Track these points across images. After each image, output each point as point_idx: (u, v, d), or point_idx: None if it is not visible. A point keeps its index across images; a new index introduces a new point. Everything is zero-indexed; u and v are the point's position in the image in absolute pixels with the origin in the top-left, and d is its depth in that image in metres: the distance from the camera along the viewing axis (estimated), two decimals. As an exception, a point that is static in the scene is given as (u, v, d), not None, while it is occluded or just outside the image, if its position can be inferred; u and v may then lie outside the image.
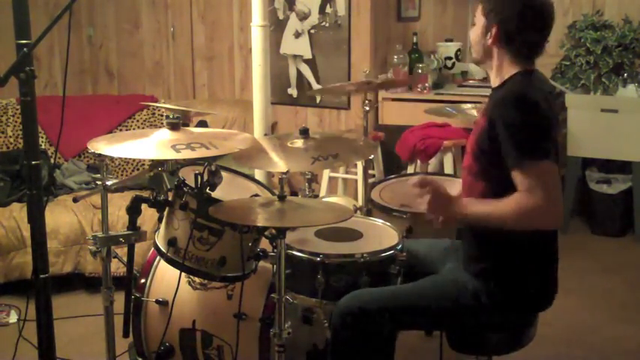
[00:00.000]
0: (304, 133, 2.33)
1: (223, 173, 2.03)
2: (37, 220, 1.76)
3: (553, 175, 1.77)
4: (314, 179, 2.56)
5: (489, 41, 1.91)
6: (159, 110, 4.17)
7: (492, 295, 1.90)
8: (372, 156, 3.55)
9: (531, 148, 1.76)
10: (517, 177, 1.76)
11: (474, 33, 1.96)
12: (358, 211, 2.60)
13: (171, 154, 1.95)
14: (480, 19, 1.94)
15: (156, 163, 2.14)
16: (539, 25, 1.89)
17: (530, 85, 1.87)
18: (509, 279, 1.91)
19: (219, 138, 2.10)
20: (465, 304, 1.91)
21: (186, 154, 1.94)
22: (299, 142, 2.31)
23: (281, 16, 4.49)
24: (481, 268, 1.93)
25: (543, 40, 1.91)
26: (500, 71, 1.93)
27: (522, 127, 1.78)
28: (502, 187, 1.81)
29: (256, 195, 2.23)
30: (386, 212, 2.48)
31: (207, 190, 1.98)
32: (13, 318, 3.17)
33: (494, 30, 1.89)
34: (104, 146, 1.99)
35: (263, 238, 2.09)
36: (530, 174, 1.74)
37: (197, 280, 2.23)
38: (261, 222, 1.89)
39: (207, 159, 1.99)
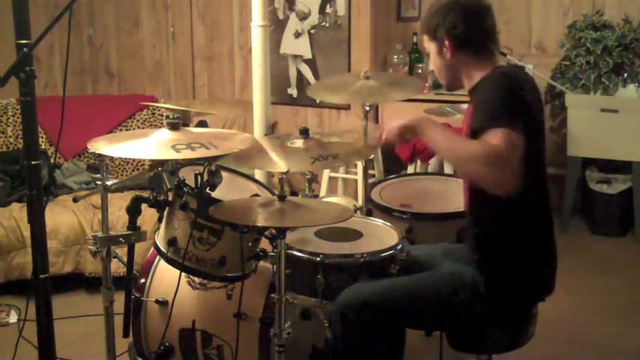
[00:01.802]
0: (304, 133, 2.33)
1: (223, 173, 2.03)
2: (37, 220, 1.76)
3: (514, 143, 1.70)
4: (314, 179, 2.56)
5: (448, 55, 1.97)
6: (159, 110, 4.17)
7: (490, 284, 1.90)
8: (372, 156, 3.55)
9: (499, 117, 1.73)
10: (487, 134, 1.72)
11: (432, 61, 2.04)
12: (358, 211, 2.60)
13: (171, 154, 1.94)
14: (430, 46, 2.02)
15: (156, 163, 2.14)
16: (482, 22, 1.96)
17: (510, 69, 1.95)
18: (506, 268, 1.91)
19: (219, 138, 2.10)
20: (463, 295, 1.92)
21: (186, 154, 1.94)
22: (299, 142, 2.31)
23: (281, 16, 4.49)
24: (479, 258, 1.94)
25: (493, 32, 1.98)
26: (470, 76, 1.98)
27: (494, 98, 1.79)
28: None
29: (256, 195, 2.23)
30: (386, 212, 2.48)
31: (207, 190, 1.98)
32: (13, 318, 3.17)
33: (447, 42, 1.96)
34: (104, 146, 1.99)
35: (263, 238, 2.09)
36: (494, 136, 1.70)
37: (197, 280, 2.23)
38: (261, 222, 1.89)
39: (207, 159, 1.99)
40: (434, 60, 2.03)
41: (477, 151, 1.69)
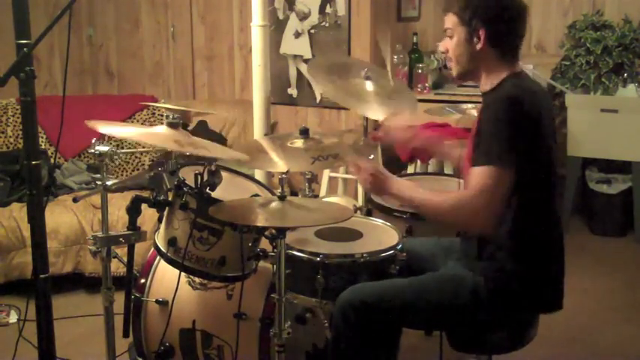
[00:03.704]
0: (304, 133, 2.33)
1: (223, 173, 2.04)
2: (37, 220, 1.76)
3: (501, 184, 1.79)
4: (314, 179, 2.56)
5: (478, 46, 1.91)
6: (159, 110, 4.17)
7: (491, 291, 1.90)
8: (372, 156, 3.55)
9: (495, 152, 1.79)
10: (471, 174, 1.82)
11: (455, 45, 1.95)
12: (358, 211, 2.60)
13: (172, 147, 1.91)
14: (459, 30, 1.93)
15: (156, 163, 2.14)
16: (520, 23, 1.93)
17: (521, 87, 1.88)
18: (509, 277, 1.91)
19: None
20: (463, 299, 1.91)
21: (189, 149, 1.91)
22: (299, 142, 2.31)
23: (281, 16, 4.49)
24: (481, 265, 1.93)
25: (523, 37, 1.96)
26: (489, 75, 1.94)
27: (495, 130, 1.80)
28: None
29: (256, 195, 2.23)
30: (386, 212, 2.48)
31: (207, 190, 1.98)
32: (13, 318, 3.17)
33: (482, 33, 1.89)
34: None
35: (263, 238, 2.09)
36: (482, 175, 1.79)
37: (197, 280, 2.23)
38: (261, 222, 1.89)
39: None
40: (457, 45, 1.94)
41: (444, 210, 1.85)
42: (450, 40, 1.96)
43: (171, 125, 2.05)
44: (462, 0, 1.92)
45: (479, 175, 1.79)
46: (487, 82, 1.95)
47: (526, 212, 1.87)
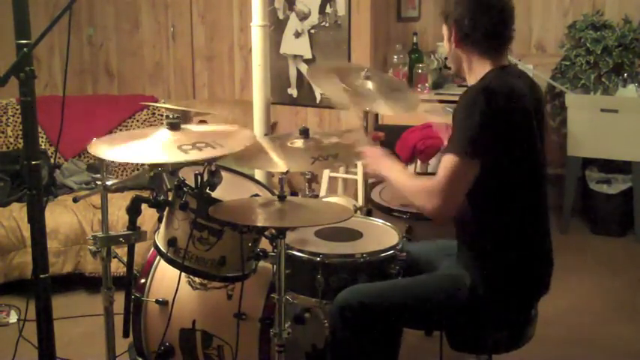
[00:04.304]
0: (304, 133, 2.32)
1: (223, 173, 2.03)
2: (37, 220, 1.76)
3: (463, 173, 1.80)
4: (314, 179, 2.56)
5: (453, 45, 1.95)
6: (159, 110, 4.17)
7: (489, 288, 1.90)
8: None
9: (460, 142, 1.81)
10: (440, 162, 1.84)
11: (444, 43, 2.02)
12: (358, 211, 2.60)
13: (179, 156, 1.89)
14: (444, 29, 1.99)
15: (156, 163, 2.13)
16: (493, 17, 1.90)
17: (499, 80, 1.87)
18: (505, 272, 1.91)
19: (220, 136, 2.07)
20: (461, 297, 1.92)
21: (194, 155, 1.88)
22: (299, 142, 2.30)
23: (281, 16, 4.49)
24: (477, 262, 1.94)
25: (504, 30, 1.93)
26: (472, 71, 1.96)
27: (464, 120, 1.81)
28: (482, 187, 1.84)
29: (256, 195, 2.23)
30: (386, 212, 2.48)
31: (207, 190, 1.98)
32: (13, 318, 3.17)
33: (453, 32, 1.93)
34: (106, 149, 1.95)
35: (263, 238, 2.09)
36: (446, 163, 1.81)
37: (197, 280, 2.23)
38: (261, 222, 1.89)
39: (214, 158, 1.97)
40: (444, 43, 2.02)
41: (408, 191, 1.91)
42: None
43: (171, 125, 2.05)
44: (443, 0, 2.00)
45: (444, 163, 1.82)
46: (471, 77, 1.97)
47: (515, 211, 1.89)
